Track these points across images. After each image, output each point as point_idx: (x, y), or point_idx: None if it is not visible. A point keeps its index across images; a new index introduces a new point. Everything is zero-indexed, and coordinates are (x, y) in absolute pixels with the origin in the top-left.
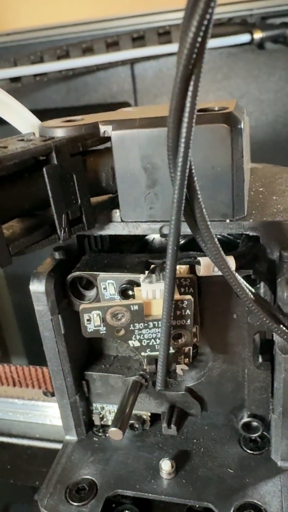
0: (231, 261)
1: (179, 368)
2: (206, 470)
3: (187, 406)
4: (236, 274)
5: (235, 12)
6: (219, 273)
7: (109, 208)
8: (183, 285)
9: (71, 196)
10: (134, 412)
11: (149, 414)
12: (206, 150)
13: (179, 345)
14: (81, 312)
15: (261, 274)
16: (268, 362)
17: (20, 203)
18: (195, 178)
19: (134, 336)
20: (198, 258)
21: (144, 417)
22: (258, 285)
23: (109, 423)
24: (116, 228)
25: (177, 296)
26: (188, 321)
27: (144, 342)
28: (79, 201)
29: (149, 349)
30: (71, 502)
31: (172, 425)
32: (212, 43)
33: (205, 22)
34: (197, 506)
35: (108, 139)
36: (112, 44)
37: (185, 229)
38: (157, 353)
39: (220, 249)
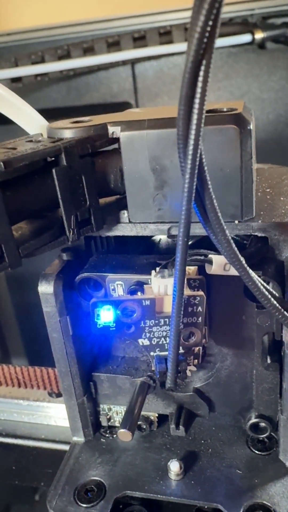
0: None
1: (188, 370)
2: (215, 471)
3: (194, 407)
4: (247, 267)
5: (236, 12)
6: (231, 272)
7: (117, 209)
8: (192, 286)
9: (80, 197)
10: (141, 413)
11: (157, 415)
12: (214, 151)
13: (189, 345)
14: (91, 306)
15: (270, 276)
16: (276, 363)
17: (29, 204)
18: (206, 168)
19: (144, 334)
20: (210, 255)
21: (152, 418)
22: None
23: (117, 424)
24: (124, 229)
25: (188, 292)
26: (200, 318)
27: (154, 341)
28: (88, 203)
29: (158, 349)
30: (80, 503)
31: (181, 426)
32: None
33: (217, 4)
34: (206, 507)
35: (117, 140)
36: (113, 44)
37: (194, 230)
38: (166, 353)
39: (231, 240)
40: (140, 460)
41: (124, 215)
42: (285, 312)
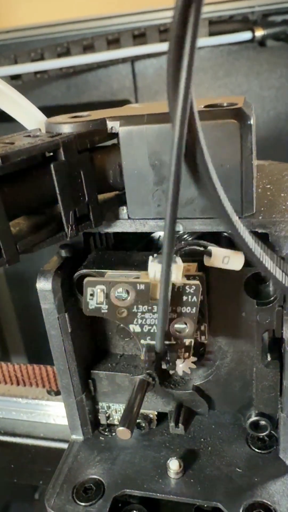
0: (240, 257)
1: (187, 367)
2: (214, 469)
3: (194, 405)
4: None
5: (237, 10)
6: (229, 265)
7: (116, 205)
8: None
9: (78, 193)
10: (140, 411)
11: (156, 413)
12: (214, 147)
13: (181, 336)
14: (85, 285)
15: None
16: (276, 361)
17: (27, 200)
18: (197, 117)
19: (136, 319)
20: (209, 247)
21: (151, 416)
22: (267, 283)
23: (115, 422)
24: (123, 225)
25: (184, 280)
26: (194, 309)
27: (145, 328)
28: (87, 198)
29: (149, 337)
30: (78, 502)
31: (180, 424)
32: (213, 40)
33: None
34: (205, 505)
35: (116, 135)
36: (113, 41)
37: (193, 226)
38: None
39: (222, 191)
40: (139, 458)
41: (123, 211)
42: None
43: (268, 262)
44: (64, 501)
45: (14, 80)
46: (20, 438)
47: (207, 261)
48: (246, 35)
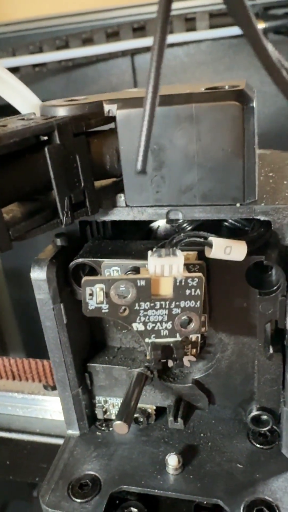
0: (243, 247)
1: (186, 360)
2: (214, 465)
3: (194, 399)
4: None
5: None
6: (232, 256)
7: (114, 193)
8: (192, 272)
9: (74, 178)
10: (138, 405)
11: (154, 407)
12: (215, 130)
13: (187, 332)
14: (83, 285)
15: (273, 260)
16: (279, 353)
17: (20, 185)
18: None
19: (138, 317)
20: (210, 238)
21: (149, 410)
22: (270, 272)
23: (113, 417)
24: (121, 213)
25: (186, 273)
26: (198, 303)
27: (149, 326)
28: (82, 184)
29: (154, 335)
30: (74, 498)
31: (179, 419)
32: (214, 33)
33: None
34: (205, 502)
35: (113, 119)
36: (113, 34)
37: (193, 214)
38: (162, 339)
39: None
40: (137, 454)
41: (121, 198)
42: None
43: None
44: (60, 498)
45: (12, 73)
46: (16, 434)
47: (208, 252)
48: None
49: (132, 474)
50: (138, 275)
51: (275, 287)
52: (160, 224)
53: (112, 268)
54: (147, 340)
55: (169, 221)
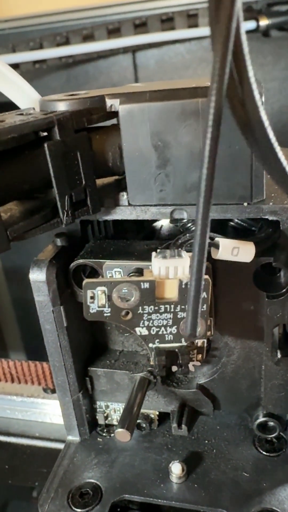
0: (250, 248)
1: (191, 364)
2: (219, 474)
3: (198, 405)
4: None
5: None
6: (239, 257)
7: (116, 191)
8: None
9: (75, 176)
10: (141, 411)
11: (157, 413)
12: (222, 126)
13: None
14: (84, 287)
15: (282, 262)
16: (287, 358)
17: (19, 183)
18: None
19: (142, 322)
20: (217, 238)
21: (152, 416)
22: (278, 274)
23: (114, 422)
24: (123, 212)
25: None
26: (204, 306)
27: (153, 330)
28: (84, 182)
29: (158, 340)
30: (73, 508)
31: (183, 425)
32: None
33: None
34: None
35: (115, 114)
36: (114, 30)
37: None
38: (166, 345)
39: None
40: (139, 461)
41: (123, 197)
42: None
43: None
44: (59, 507)
45: None
46: (14, 438)
47: (215, 254)
48: (250, 25)
49: (134, 482)
50: (141, 277)
51: (284, 290)
52: (164, 223)
53: (114, 269)
54: (151, 345)
55: (173, 220)
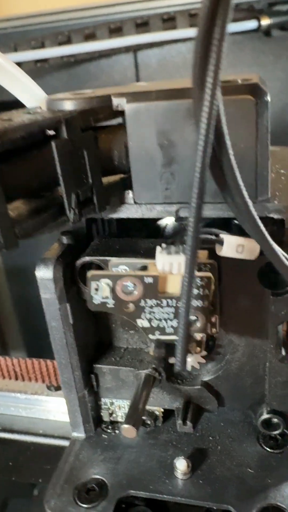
0: (255, 245)
1: (196, 362)
2: (224, 470)
3: (203, 402)
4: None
5: None
6: (244, 255)
7: (122, 189)
8: (202, 271)
9: (81, 174)
10: (146, 408)
11: (162, 410)
12: (227, 125)
13: (192, 330)
14: (89, 279)
15: None
16: None
17: (27, 181)
18: (224, 118)
19: (144, 314)
20: (222, 235)
21: (157, 413)
22: None
23: (119, 419)
24: (129, 210)
25: (195, 272)
26: (206, 302)
27: (154, 322)
28: (90, 181)
29: (158, 332)
30: (80, 503)
31: (188, 422)
32: None
33: None
34: (215, 508)
35: (122, 113)
36: (115, 30)
37: (203, 211)
38: (166, 337)
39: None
40: (144, 457)
41: (129, 195)
42: None
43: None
44: (65, 503)
45: None
46: (18, 435)
47: (219, 251)
48: (251, 24)
49: (140, 479)
50: (145, 272)
51: None
52: (169, 222)
53: (120, 266)
54: (151, 336)
55: (178, 219)
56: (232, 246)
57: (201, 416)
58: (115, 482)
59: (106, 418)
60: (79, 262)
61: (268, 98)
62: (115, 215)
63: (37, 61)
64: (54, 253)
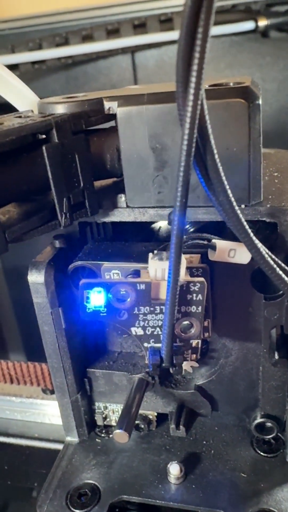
0: (246, 251)
1: (189, 366)
2: (217, 474)
3: (196, 406)
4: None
5: None
6: (236, 259)
7: (114, 193)
8: (195, 275)
9: (73, 178)
10: (139, 412)
11: (156, 414)
12: (220, 128)
13: (187, 337)
14: (81, 287)
15: None
16: (285, 359)
17: (17, 185)
18: (208, 119)
19: (137, 322)
20: (213, 240)
21: (150, 417)
22: None
23: (113, 423)
24: (122, 214)
25: (187, 277)
26: (199, 308)
27: (149, 330)
28: (82, 184)
29: (153, 340)
30: (72, 508)
31: (181, 426)
32: (214, 30)
33: None
34: None
35: (113, 116)
36: (113, 31)
37: (196, 215)
38: (161, 345)
39: (234, 202)
40: (137, 462)
41: (122, 199)
42: None
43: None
44: (57, 508)
45: (11, 70)
46: (13, 439)
47: (212, 255)
48: (248, 25)
49: (133, 483)
50: (138, 278)
51: (281, 292)
52: (162, 225)
53: (112, 271)
54: (146, 344)
55: (171, 222)
56: (224, 251)
57: (195, 421)
58: (108, 486)
59: (100, 422)
60: (71, 266)
61: (260, 101)
62: (107, 219)
63: (34, 62)
64: (46, 257)
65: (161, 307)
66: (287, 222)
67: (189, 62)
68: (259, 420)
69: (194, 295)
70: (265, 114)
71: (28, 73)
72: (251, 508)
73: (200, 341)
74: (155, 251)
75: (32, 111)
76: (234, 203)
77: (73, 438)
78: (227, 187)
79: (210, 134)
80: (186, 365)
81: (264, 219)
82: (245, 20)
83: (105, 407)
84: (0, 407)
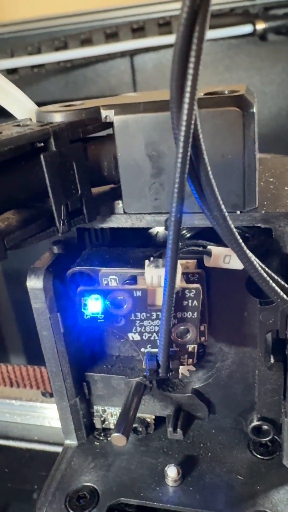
0: None
1: (186, 369)
2: (214, 477)
3: (193, 409)
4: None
5: (237, 2)
6: (231, 265)
7: (111, 200)
8: (190, 281)
9: (70, 185)
10: (137, 415)
11: (153, 417)
12: (215, 136)
13: (183, 342)
14: (78, 294)
15: (274, 270)
16: (280, 363)
17: (16, 193)
18: (201, 136)
19: (134, 328)
20: (209, 247)
21: (148, 420)
22: None
23: (111, 426)
24: (119, 220)
25: (183, 284)
26: (195, 314)
27: (145, 336)
28: (80, 191)
29: (150, 345)
30: (71, 511)
31: (178, 429)
32: (213, 34)
33: None
34: None
35: (110, 124)
36: (111, 35)
37: (192, 221)
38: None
39: (227, 216)
40: (135, 465)
41: (119, 205)
42: None
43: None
44: (57, 510)
45: (10, 74)
46: (13, 442)
47: (207, 262)
48: (246, 28)
49: (131, 486)
50: (134, 285)
51: None
52: (159, 230)
53: (110, 276)
54: (143, 350)
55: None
56: (219, 257)
57: (192, 423)
58: (106, 489)
59: (98, 425)
60: (70, 272)
61: (254, 109)
62: (105, 225)
63: (33, 66)
64: (45, 262)
65: (157, 313)
66: (282, 228)
67: (181, 88)
68: (255, 423)
69: (190, 301)
70: (263, 117)
71: (27, 77)
72: (248, 510)
73: (196, 346)
74: (152, 258)
75: (30, 119)
76: (228, 218)
77: (72, 441)
78: (221, 202)
79: (203, 151)
80: (183, 369)
81: (259, 224)
82: (243, 23)
83: (104, 410)
84: (0, 410)
